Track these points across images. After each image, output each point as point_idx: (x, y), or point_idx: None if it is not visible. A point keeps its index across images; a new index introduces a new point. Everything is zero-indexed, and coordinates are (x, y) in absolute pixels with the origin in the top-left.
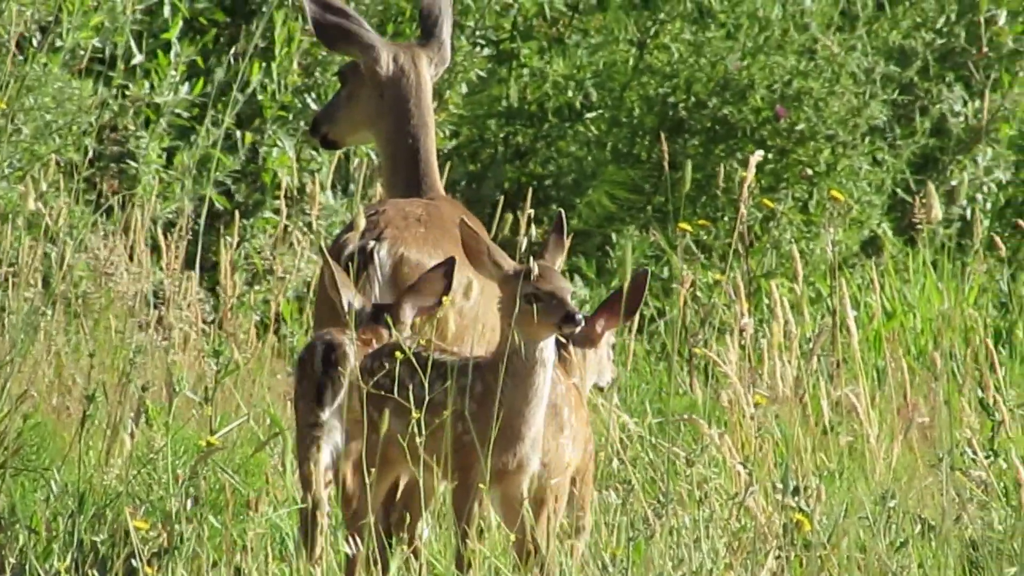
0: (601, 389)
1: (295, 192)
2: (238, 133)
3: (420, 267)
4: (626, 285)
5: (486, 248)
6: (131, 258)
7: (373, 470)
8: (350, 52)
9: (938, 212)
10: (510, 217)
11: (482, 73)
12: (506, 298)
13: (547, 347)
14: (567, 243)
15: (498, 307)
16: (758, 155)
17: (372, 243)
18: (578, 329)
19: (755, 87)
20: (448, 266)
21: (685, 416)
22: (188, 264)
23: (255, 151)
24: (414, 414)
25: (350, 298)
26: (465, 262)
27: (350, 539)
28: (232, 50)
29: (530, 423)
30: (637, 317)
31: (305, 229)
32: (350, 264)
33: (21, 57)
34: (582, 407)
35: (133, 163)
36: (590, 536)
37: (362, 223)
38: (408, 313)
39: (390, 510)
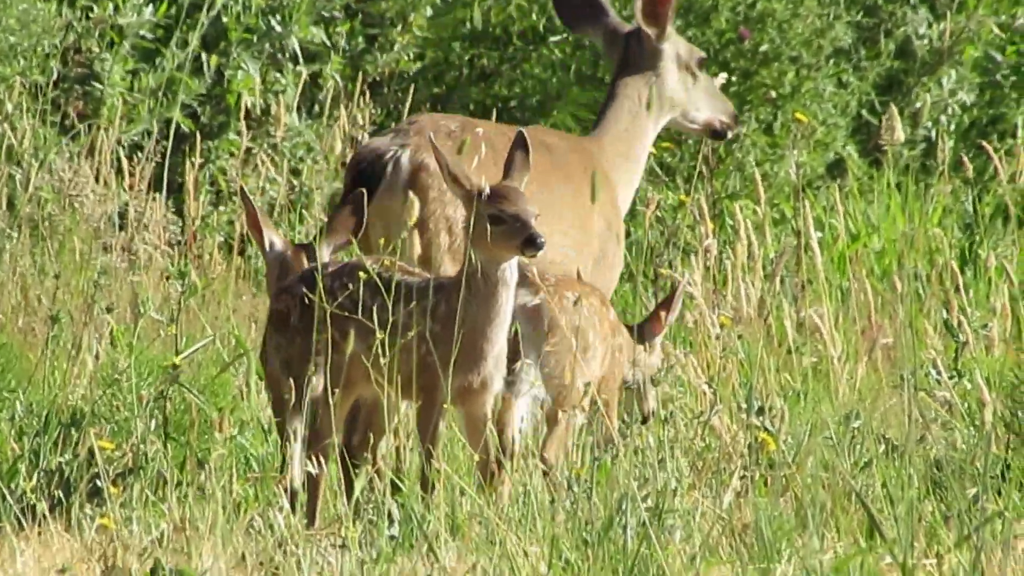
0: (644, 420)
1: (260, 114)
2: (203, 56)
3: (440, 177)
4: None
5: (447, 167)
6: (96, 180)
7: (336, 391)
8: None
9: (901, 134)
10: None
11: None
12: (470, 218)
13: (509, 267)
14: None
15: (463, 226)
16: (722, 77)
17: (396, 148)
18: (539, 253)
19: (719, 9)
20: (357, 202)
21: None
22: (153, 186)
23: (220, 74)
24: (377, 335)
25: (272, 238)
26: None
27: (313, 459)
28: None
29: (493, 342)
30: None
31: (270, 151)
32: (374, 166)
33: None
34: (606, 322)
35: (98, 85)
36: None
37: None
38: (326, 252)
39: (352, 431)
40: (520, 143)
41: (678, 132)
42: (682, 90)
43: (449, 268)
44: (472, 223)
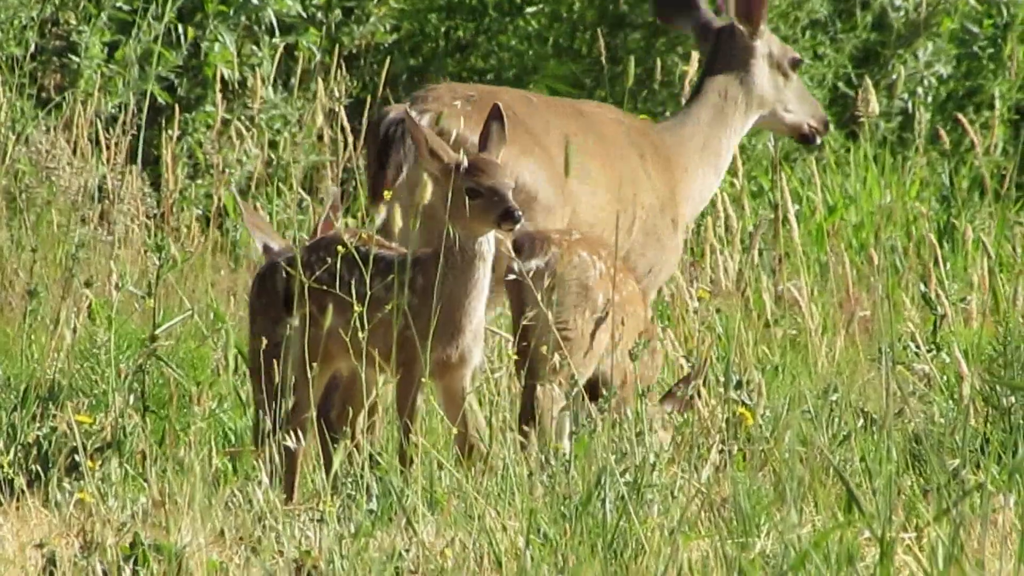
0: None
1: (237, 86)
2: (180, 28)
3: (456, 143)
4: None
5: (424, 139)
6: (74, 153)
7: (315, 364)
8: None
9: (875, 106)
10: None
11: None
12: (447, 191)
13: (486, 241)
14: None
15: (441, 200)
16: None
17: (414, 114)
18: (517, 226)
19: None
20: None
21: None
22: (130, 159)
23: (197, 46)
24: (355, 309)
25: (266, 242)
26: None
27: (291, 433)
28: None
29: (471, 316)
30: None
31: (247, 123)
32: (390, 132)
33: None
34: (624, 288)
35: (75, 58)
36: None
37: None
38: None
39: (330, 405)
40: (496, 115)
41: (655, 103)
42: (772, 89)
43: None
44: (449, 196)
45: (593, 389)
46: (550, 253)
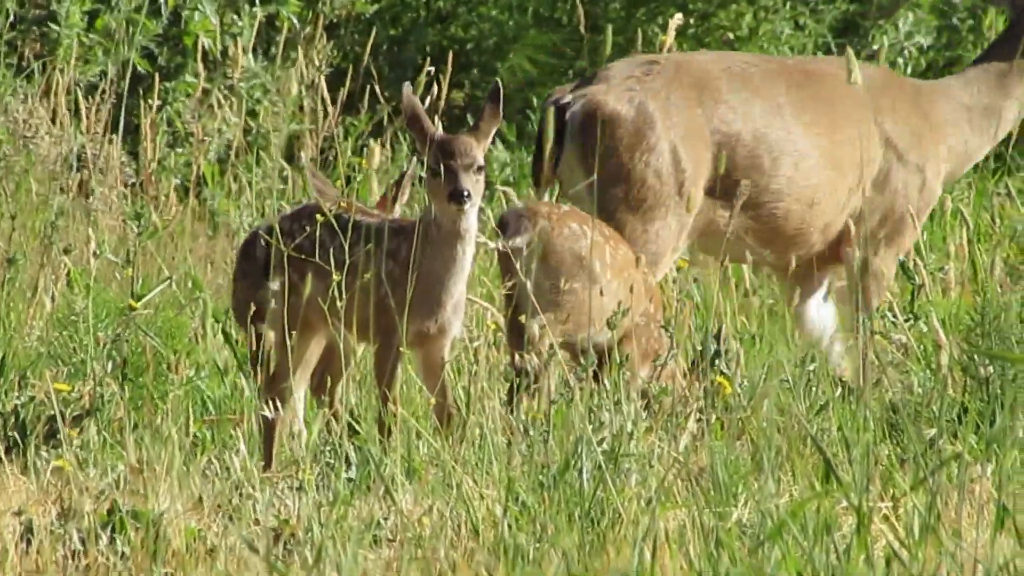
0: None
1: (217, 56)
2: None
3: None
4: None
5: (412, 113)
6: (53, 122)
7: (294, 333)
8: None
9: (857, 76)
10: (423, 80)
11: None
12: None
13: (465, 218)
14: (501, 112)
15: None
16: (679, 18)
17: (572, 97)
18: (464, 207)
19: None
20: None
21: None
22: (110, 128)
23: (177, 15)
24: (334, 276)
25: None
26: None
27: (269, 402)
28: None
29: (451, 291)
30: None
31: (227, 93)
32: (561, 118)
33: None
34: (616, 258)
35: (55, 26)
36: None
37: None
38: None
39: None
40: (494, 93)
41: None
42: None
43: (668, 218)
44: (427, 171)
45: (600, 359)
46: (538, 227)
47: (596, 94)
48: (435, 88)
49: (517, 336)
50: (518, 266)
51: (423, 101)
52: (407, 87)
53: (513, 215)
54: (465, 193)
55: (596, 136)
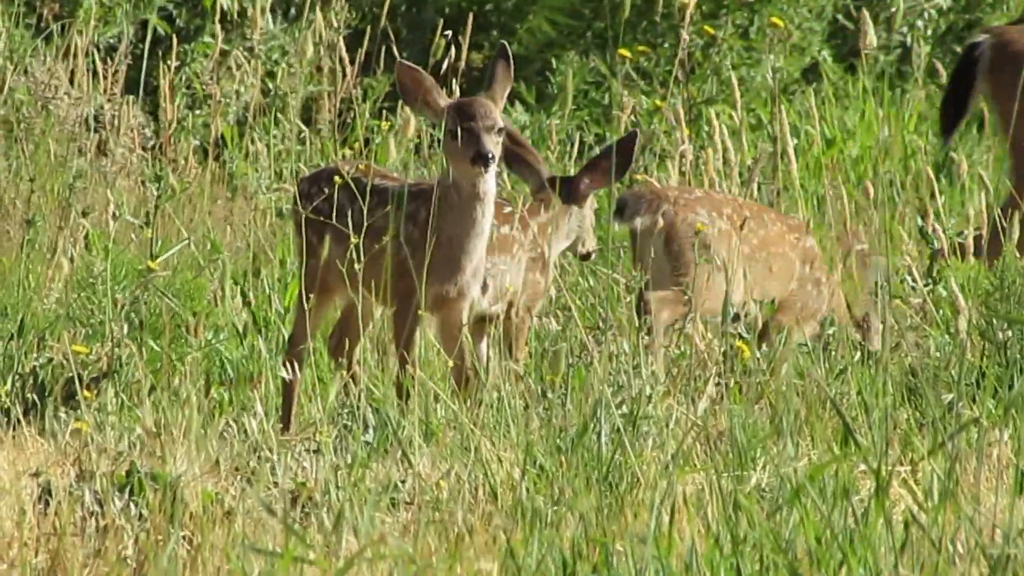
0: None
1: (235, 16)
2: None
3: None
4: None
5: (422, 87)
6: (72, 83)
7: (312, 296)
8: None
9: (873, 38)
10: (443, 42)
11: None
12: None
13: (483, 182)
14: (512, 73)
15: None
16: None
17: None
18: (488, 169)
19: None
20: None
21: (625, 243)
22: (129, 89)
23: None
24: (352, 240)
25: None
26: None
27: (288, 364)
28: None
29: (471, 255)
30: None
31: (246, 54)
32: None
33: None
34: (751, 241)
35: None
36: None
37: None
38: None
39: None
40: (502, 54)
41: (654, 35)
42: None
43: None
44: (444, 136)
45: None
46: (660, 211)
47: (1006, 32)
48: (453, 50)
49: (639, 310)
50: (646, 246)
51: (441, 64)
52: (399, 63)
53: (632, 196)
54: (489, 155)
55: (1007, 73)
